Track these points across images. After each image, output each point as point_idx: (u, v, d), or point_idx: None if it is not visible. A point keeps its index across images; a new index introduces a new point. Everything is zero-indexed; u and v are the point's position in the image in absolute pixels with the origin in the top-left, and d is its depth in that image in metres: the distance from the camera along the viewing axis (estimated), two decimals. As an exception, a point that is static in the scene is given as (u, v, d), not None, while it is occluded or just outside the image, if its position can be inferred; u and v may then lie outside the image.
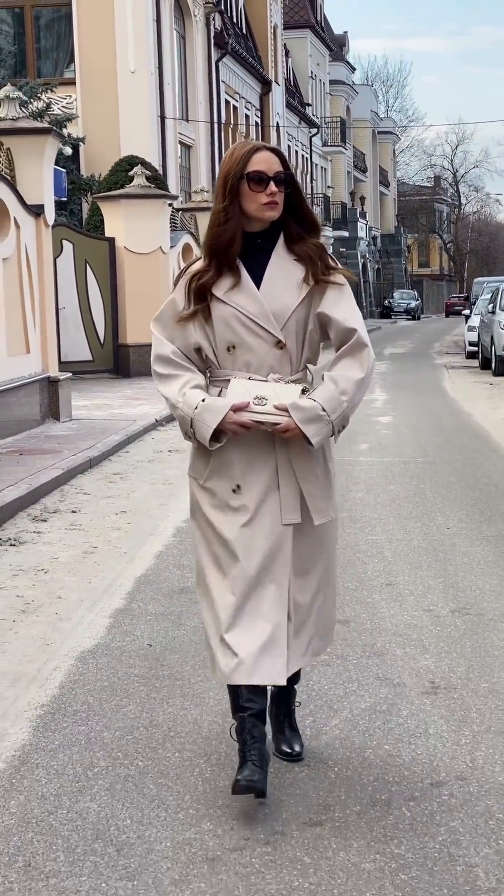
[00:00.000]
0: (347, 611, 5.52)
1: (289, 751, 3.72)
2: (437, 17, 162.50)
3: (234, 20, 38.12)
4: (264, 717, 3.48)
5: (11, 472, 9.27)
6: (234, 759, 3.57)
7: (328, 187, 57.04)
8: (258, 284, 3.42)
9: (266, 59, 41.99)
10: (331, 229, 52.50)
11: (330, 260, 3.47)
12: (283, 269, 3.43)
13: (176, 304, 3.49)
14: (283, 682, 3.39)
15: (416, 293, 68.78)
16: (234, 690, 3.44)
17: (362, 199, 64.21)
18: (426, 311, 72.31)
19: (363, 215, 62.35)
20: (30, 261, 12.90)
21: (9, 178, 12.51)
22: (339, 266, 3.49)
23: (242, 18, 40.03)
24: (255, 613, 3.35)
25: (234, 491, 3.40)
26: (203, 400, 3.38)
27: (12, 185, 12.46)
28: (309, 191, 50.25)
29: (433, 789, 3.54)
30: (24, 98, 16.70)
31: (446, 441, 11.98)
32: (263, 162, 3.39)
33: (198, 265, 3.48)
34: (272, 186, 3.37)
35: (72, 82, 27.95)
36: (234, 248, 3.40)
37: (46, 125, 14.41)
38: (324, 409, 3.36)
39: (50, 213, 13.48)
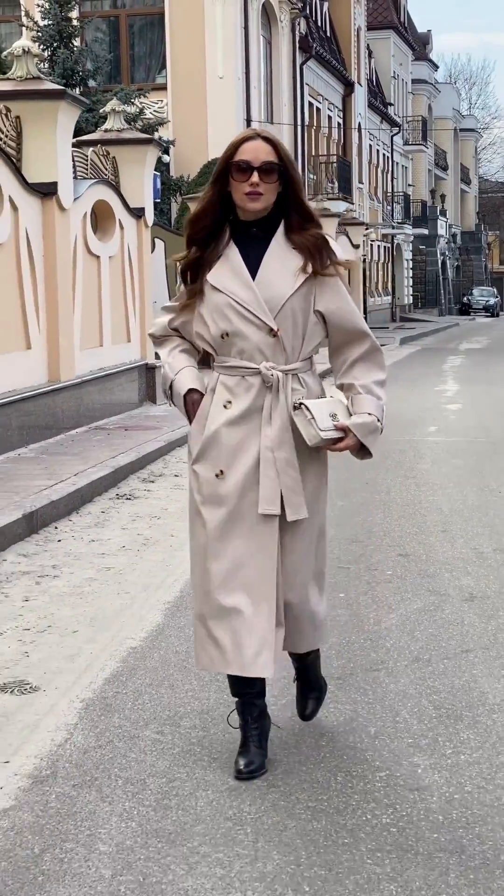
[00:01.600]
0: (407, 548, 6.78)
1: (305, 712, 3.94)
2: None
3: (319, 23, 39.28)
4: (263, 693, 3.62)
5: (121, 443, 10.64)
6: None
7: (409, 185, 57.85)
8: (254, 273, 3.42)
9: (349, 60, 43.05)
10: (410, 227, 53.43)
11: (332, 253, 3.47)
12: (280, 258, 3.43)
13: (180, 288, 3.62)
14: (270, 674, 3.45)
15: (495, 290, 69.10)
16: (234, 677, 3.54)
17: (442, 196, 64.88)
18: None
19: (443, 213, 63.05)
20: (131, 259, 14.30)
21: (114, 183, 13.93)
22: (340, 258, 3.51)
23: (327, 21, 41.17)
24: (240, 603, 3.40)
25: (217, 476, 3.43)
26: (183, 368, 3.57)
27: (118, 190, 13.86)
28: (389, 189, 51.18)
29: (464, 654, 4.79)
30: (129, 111, 18.05)
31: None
32: (251, 151, 3.37)
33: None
34: (254, 177, 3.35)
35: (163, 87, 29.31)
36: (207, 232, 3.46)
37: (148, 136, 15.80)
38: (379, 420, 3.49)
39: (149, 215, 14.87)
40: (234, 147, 3.39)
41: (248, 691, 3.54)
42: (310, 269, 3.41)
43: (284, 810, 3.33)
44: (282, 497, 3.42)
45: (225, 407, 3.45)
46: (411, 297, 56.62)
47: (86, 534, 7.28)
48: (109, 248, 13.45)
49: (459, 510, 7.98)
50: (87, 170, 13.24)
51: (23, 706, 4.23)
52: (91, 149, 13.58)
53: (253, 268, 3.41)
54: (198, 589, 3.52)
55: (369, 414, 3.45)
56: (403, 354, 28.59)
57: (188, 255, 3.49)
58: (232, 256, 3.43)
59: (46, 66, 24.72)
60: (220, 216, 3.45)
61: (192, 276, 3.48)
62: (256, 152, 3.36)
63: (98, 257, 13.00)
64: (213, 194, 3.42)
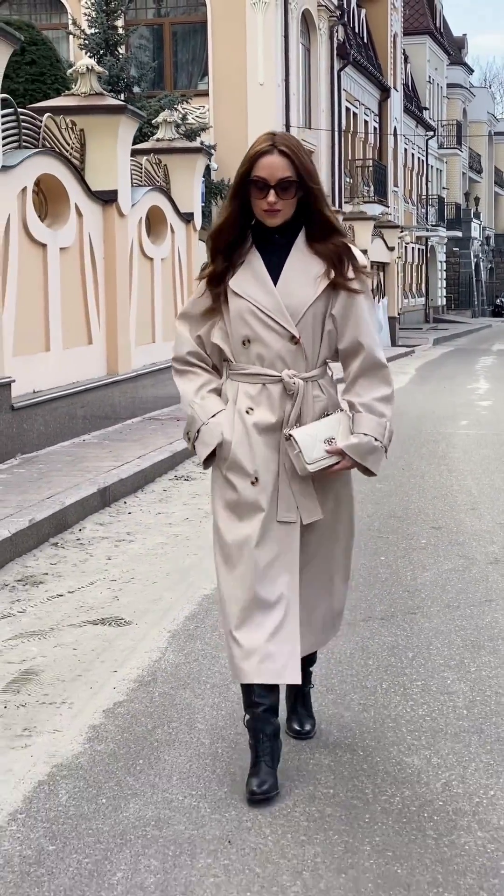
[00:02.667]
0: (440, 522, 7.62)
1: (299, 729, 3.83)
2: None
3: (356, 30, 40.09)
4: (276, 710, 3.52)
5: (174, 432, 11.53)
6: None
7: (443, 188, 58.54)
8: (276, 279, 3.39)
9: (385, 66, 43.83)
10: (444, 229, 54.14)
11: (354, 259, 3.44)
12: (302, 264, 3.41)
13: (197, 296, 3.53)
14: (298, 681, 3.43)
15: (528, 293, 69.73)
16: (247, 686, 3.45)
17: (476, 199, 65.49)
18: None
19: (477, 216, 63.69)
20: (181, 260, 15.21)
21: (166, 190, 14.84)
22: (365, 268, 3.47)
23: (364, 28, 41.99)
24: (265, 612, 3.36)
25: (252, 483, 3.39)
26: (216, 414, 3.45)
27: (169, 196, 14.78)
28: (424, 192, 51.91)
29: (487, 602, 5.64)
30: (179, 121, 18.90)
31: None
32: (266, 168, 3.31)
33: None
34: (271, 196, 3.32)
35: (205, 94, 30.21)
36: (229, 242, 3.43)
37: (197, 146, 16.71)
38: (376, 440, 3.43)
39: (198, 220, 15.78)
40: (251, 161, 3.33)
41: (262, 703, 3.43)
42: (332, 275, 3.39)
43: (342, 705, 4.20)
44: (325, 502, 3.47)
45: (248, 413, 3.41)
46: (444, 299, 57.32)
47: (152, 508, 8.18)
48: (162, 251, 14.36)
49: (487, 492, 8.81)
50: (141, 177, 14.15)
51: (120, 635, 5.12)
52: (145, 157, 14.49)
53: (275, 274, 3.40)
54: (223, 594, 3.45)
55: (365, 434, 3.41)
56: (437, 354, 29.40)
57: (214, 268, 3.46)
58: (254, 262, 3.41)
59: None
60: (242, 226, 3.43)
61: (216, 284, 3.45)
62: (272, 169, 3.30)
63: (151, 259, 13.92)
64: (235, 208, 3.40)
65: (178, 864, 3.02)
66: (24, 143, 10.36)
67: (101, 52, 26.08)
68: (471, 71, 71.06)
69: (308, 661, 3.77)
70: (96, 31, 25.79)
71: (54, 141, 11.11)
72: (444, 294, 57.35)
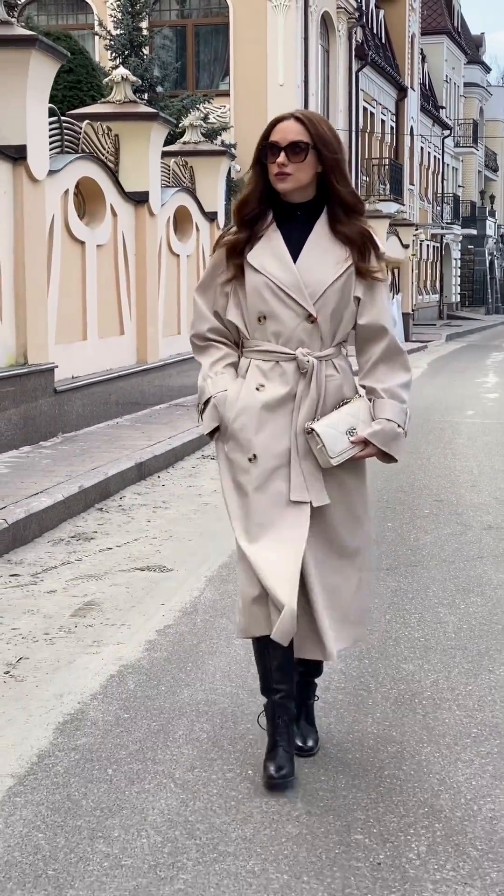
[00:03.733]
0: (442, 496, 8.52)
1: (301, 745, 3.67)
2: None
3: (375, 31, 40.87)
4: (293, 697, 3.54)
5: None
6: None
7: (459, 186, 59.29)
8: (296, 256, 3.37)
9: (403, 66, 44.61)
10: (459, 227, 54.92)
11: (377, 247, 3.44)
12: (324, 244, 3.39)
13: (216, 267, 3.51)
14: (317, 657, 3.46)
15: (542, 290, 70.40)
16: (265, 670, 3.49)
17: (492, 197, 66.20)
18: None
19: (492, 213, 64.44)
20: (205, 257, 16.10)
21: (192, 190, 15.75)
22: (384, 255, 3.48)
23: (382, 29, 42.77)
24: (278, 581, 3.32)
25: (249, 460, 3.38)
26: (226, 390, 3.45)
27: (195, 196, 15.68)
28: (439, 190, 52.68)
29: (479, 559, 6.52)
30: (205, 126, 19.74)
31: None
32: (279, 132, 3.33)
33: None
34: (281, 157, 3.31)
35: (226, 94, 31.06)
36: (254, 214, 3.41)
37: (222, 148, 17.61)
38: (399, 426, 3.42)
39: (221, 218, 16.68)
40: (269, 129, 3.36)
41: (280, 689, 3.47)
42: (355, 260, 3.38)
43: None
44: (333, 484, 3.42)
45: (257, 389, 3.41)
46: (459, 296, 58.13)
47: (184, 482, 9.09)
48: (187, 248, 15.27)
49: (487, 472, 9.69)
50: (168, 178, 15.05)
51: (164, 579, 6.03)
52: (172, 160, 15.40)
53: (295, 251, 3.37)
54: (243, 564, 3.49)
55: (388, 420, 3.39)
56: (449, 350, 30.29)
57: (238, 237, 3.43)
58: (274, 238, 3.39)
59: (118, 73, 26.65)
60: (266, 197, 3.41)
61: (238, 255, 3.43)
62: (285, 132, 3.31)
63: (178, 256, 14.83)
64: (255, 178, 3.41)
65: (224, 727, 3.93)
66: (65, 148, 11.27)
67: (127, 52, 26.90)
68: (488, 69, 71.71)
69: (313, 672, 3.74)
70: (121, 32, 26.56)
71: (92, 146, 12.02)
72: (459, 291, 58.14)
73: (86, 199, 11.87)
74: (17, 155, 9.47)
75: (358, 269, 3.39)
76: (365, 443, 3.38)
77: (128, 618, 5.28)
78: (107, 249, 12.25)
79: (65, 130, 11.28)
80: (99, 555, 6.56)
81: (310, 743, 3.71)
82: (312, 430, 3.35)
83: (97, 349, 11.90)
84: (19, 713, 4.09)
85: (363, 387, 3.51)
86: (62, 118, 11.31)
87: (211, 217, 16.31)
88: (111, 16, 27.24)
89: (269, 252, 3.38)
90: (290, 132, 3.32)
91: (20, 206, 9.56)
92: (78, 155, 11.31)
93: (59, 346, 10.75)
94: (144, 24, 27.73)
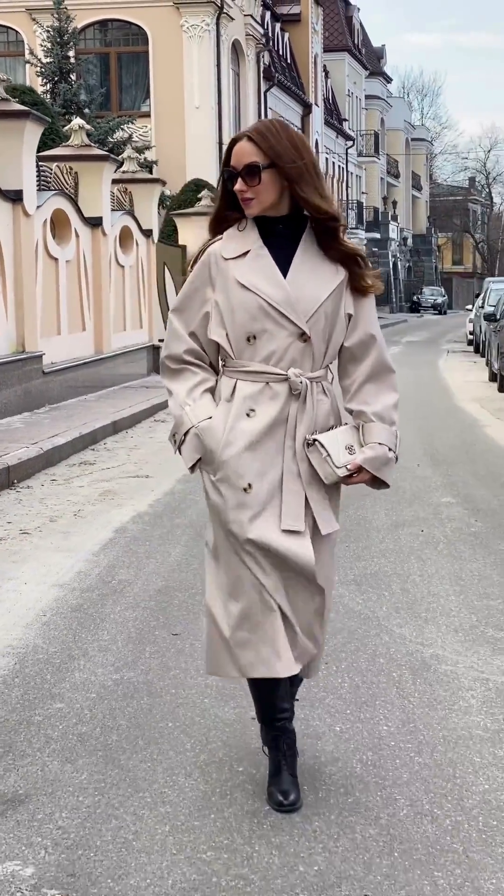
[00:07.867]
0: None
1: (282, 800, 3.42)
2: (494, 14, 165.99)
3: (281, 53, 44.39)
4: (292, 715, 3.50)
5: (147, 393, 15.81)
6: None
7: (362, 193, 63.03)
8: (284, 273, 3.23)
9: (307, 84, 48.19)
10: (364, 231, 58.69)
11: (368, 266, 3.33)
12: (312, 260, 3.26)
13: (194, 285, 3.33)
14: (296, 670, 3.32)
15: (443, 290, 73.80)
16: (267, 700, 3.43)
17: (394, 203, 70.02)
18: (455, 306, 75.64)
19: (395, 218, 68.28)
20: (143, 267, 19.47)
21: (132, 212, 19.10)
22: (372, 270, 3.34)
23: (287, 50, 46.36)
24: (261, 615, 3.27)
25: (244, 490, 3.24)
26: (210, 417, 3.29)
27: (135, 217, 19.04)
28: (344, 197, 56.35)
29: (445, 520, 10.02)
30: (142, 159, 22.90)
31: (419, 390, 18.47)
32: (235, 155, 3.23)
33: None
34: (238, 184, 3.21)
35: (147, 115, 34.25)
36: (228, 225, 3.31)
37: (157, 177, 20.98)
38: (391, 450, 3.32)
39: (155, 235, 20.04)
40: (227, 153, 3.28)
41: (280, 716, 3.44)
42: (347, 277, 3.28)
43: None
44: (312, 511, 3.28)
45: (248, 416, 3.25)
46: (364, 296, 61.65)
47: (146, 434, 12.50)
48: (130, 260, 18.62)
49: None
50: (112, 202, 18.37)
51: (147, 480, 9.41)
52: (116, 187, 18.73)
53: (283, 268, 3.24)
54: (221, 594, 3.38)
55: (380, 444, 3.28)
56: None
57: (217, 241, 3.33)
58: (262, 255, 3.25)
59: (49, 97, 29.78)
60: (235, 215, 3.31)
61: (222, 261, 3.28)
62: (240, 156, 3.21)
63: (123, 267, 18.17)
64: (221, 200, 3.32)
65: (200, 545, 7.35)
66: (41, 185, 14.55)
67: (56, 78, 29.93)
68: (389, 80, 75.51)
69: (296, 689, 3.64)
70: (51, 60, 29.50)
71: (60, 182, 15.32)
72: (364, 291, 61.65)
73: (56, 225, 15.15)
74: (15, 197, 12.75)
75: (354, 287, 3.32)
76: (359, 470, 3.28)
77: (134, 497, 8.66)
78: (73, 264, 15.54)
79: (41, 171, 14.55)
80: (104, 471, 9.93)
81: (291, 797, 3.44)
82: (315, 440, 3.26)
83: (68, 341, 15.20)
84: (88, 528, 7.47)
85: (350, 410, 3.39)
86: (38, 162, 14.59)
87: (147, 234, 19.66)
88: (41, 45, 30.24)
89: (258, 269, 3.25)
90: (245, 155, 3.22)
91: (18, 235, 12.83)
92: (53, 192, 14.61)
93: (44, 339, 14.02)
94: (72, 53, 30.75)
